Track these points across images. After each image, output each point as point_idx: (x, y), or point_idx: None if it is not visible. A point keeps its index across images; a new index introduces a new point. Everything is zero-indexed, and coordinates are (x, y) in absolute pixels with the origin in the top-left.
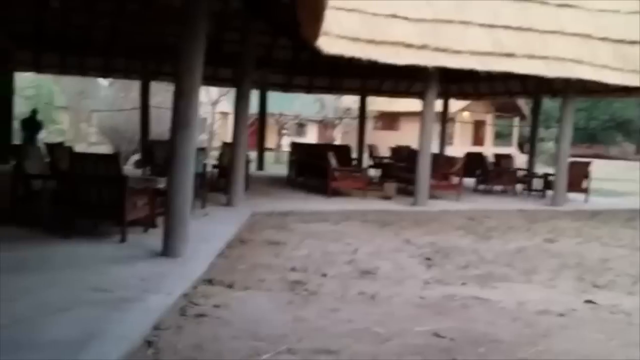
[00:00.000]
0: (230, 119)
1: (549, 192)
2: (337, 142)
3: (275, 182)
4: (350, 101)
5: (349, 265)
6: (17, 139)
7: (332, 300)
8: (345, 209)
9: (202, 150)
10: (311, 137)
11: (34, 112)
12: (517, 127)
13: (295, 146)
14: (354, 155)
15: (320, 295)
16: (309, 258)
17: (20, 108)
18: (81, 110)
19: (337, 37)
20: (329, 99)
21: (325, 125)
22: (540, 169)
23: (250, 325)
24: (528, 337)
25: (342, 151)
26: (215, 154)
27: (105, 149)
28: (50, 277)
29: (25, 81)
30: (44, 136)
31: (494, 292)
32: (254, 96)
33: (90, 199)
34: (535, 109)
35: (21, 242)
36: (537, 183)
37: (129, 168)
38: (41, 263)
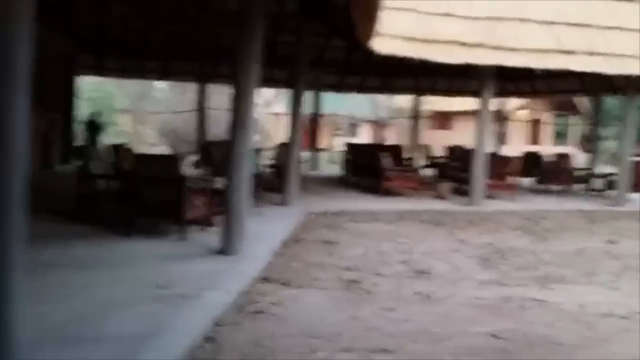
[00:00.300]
0: (283, 120)
1: (611, 192)
2: (390, 142)
3: (329, 182)
4: (403, 101)
5: (404, 265)
6: (79, 140)
7: (387, 299)
8: (399, 208)
9: (257, 151)
10: (364, 137)
11: (96, 114)
12: (576, 126)
13: (349, 146)
14: (407, 155)
15: (375, 294)
16: (363, 257)
17: (83, 110)
18: (141, 112)
19: (390, 36)
20: (381, 98)
21: (378, 125)
22: (601, 168)
23: (306, 323)
24: (588, 340)
25: (395, 151)
26: (269, 154)
27: (163, 150)
28: (112, 273)
29: (87, 84)
30: (106, 137)
31: (553, 293)
32: (308, 97)
33: (151, 199)
34: (596, 107)
35: (85, 240)
36: (598, 183)
37: (187, 168)
38: (103, 260)
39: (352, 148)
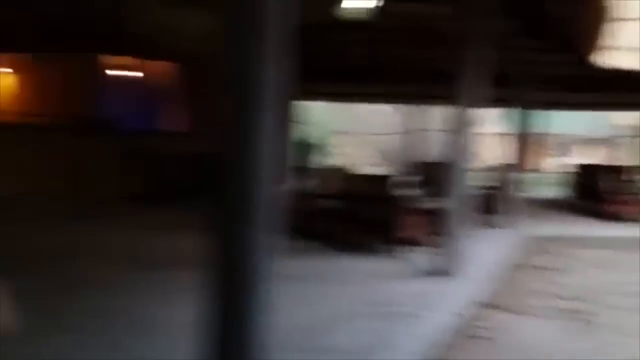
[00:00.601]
0: (496, 140)
1: None
2: (616, 162)
3: (548, 205)
4: (633, 118)
5: (629, 297)
6: (295, 161)
7: (611, 333)
8: (624, 235)
9: (473, 172)
10: (584, 156)
11: (313, 136)
12: None
13: (575, 167)
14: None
15: (597, 326)
16: (584, 286)
17: (303, 133)
18: (358, 133)
19: (620, 49)
20: (605, 115)
21: (601, 144)
22: None
23: (525, 351)
24: None
25: (621, 172)
26: (484, 175)
27: (380, 170)
28: (331, 288)
29: (306, 108)
30: (324, 159)
31: None
32: (524, 115)
33: (365, 217)
34: None
35: (305, 254)
36: None
37: (403, 189)
38: (322, 275)
39: (579, 169)
